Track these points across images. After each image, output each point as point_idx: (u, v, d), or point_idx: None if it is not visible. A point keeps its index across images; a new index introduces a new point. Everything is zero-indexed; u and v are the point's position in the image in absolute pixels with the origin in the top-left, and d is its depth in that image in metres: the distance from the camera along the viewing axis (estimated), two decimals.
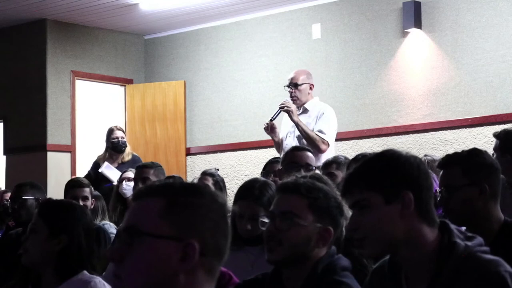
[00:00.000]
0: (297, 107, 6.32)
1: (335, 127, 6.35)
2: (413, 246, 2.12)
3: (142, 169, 5.61)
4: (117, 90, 9.77)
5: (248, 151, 8.72)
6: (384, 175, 2.13)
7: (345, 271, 2.58)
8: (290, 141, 6.29)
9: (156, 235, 1.63)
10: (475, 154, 3.02)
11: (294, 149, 5.12)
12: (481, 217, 2.95)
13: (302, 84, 6.30)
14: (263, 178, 3.69)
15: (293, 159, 4.89)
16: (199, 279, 1.65)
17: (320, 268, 2.54)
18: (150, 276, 1.63)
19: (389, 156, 2.17)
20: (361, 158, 3.81)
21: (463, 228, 2.28)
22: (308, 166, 4.76)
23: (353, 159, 4.25)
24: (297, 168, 4.61)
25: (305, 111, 6.32)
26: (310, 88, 6.35)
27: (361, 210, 2.13)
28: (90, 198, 5.32)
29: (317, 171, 4.51)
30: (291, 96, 6.29)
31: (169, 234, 1.63)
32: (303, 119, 6.24)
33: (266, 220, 2.65)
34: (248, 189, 3.56)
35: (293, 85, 6.29)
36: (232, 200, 3.83)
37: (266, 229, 2.61)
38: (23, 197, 5.66)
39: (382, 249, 2.16)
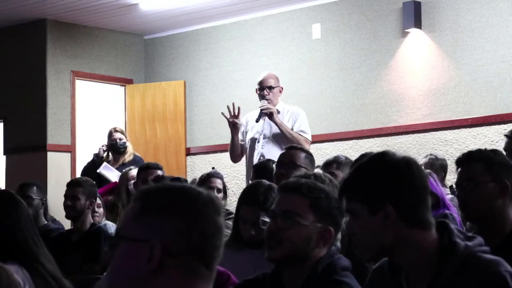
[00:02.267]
0: None
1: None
2: (407, 250, 2.13)
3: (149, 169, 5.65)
4: (117, 90, 9.77)
5: None
6: (366, 188, 2.14)
7: (345, 271, 2.58)
8: (259, 149, 6.38)
9: (130, 238, 1.69)
10: (497, 153, 3.05)
11: (290, 148, 5.12)
12: (496, 216, 2.95)
13: (275, 87, 6.44)
14: (267, 182, 3.66)
15: (290, 159, 4.88)
16: (175, 280, 1.67)
17: (320, 268, 2.54)
18: (125, 278, 1.68)
19: (373, 166, 2.18)
20: (358, 161, 3.81)
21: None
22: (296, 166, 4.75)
23: (356, 160, 4.23)
24: (294, 167, 4.63)
25: (277, 112, 6.40)
26: (280, 92, 6.49)
27: (353, 218, 2.17)
28: (82, 198, 5.23)
29: (319, 171, 4.49)
30: (265, 99, 6.38)
31: (139, 237, 1.67)
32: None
33: (267, 219, 2.65)
34: (253, 194, 3.52)
35: (268, 87, 6.40)
36: (232, 199, 3.83)
37: (267, 228, 2.62)
38: (32, 197, 5.67)
39: (374, 255, 2.18)
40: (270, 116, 6.29)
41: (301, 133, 6.31)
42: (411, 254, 2.12)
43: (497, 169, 2.96)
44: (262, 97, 6.40)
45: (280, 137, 6.31)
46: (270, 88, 6.40)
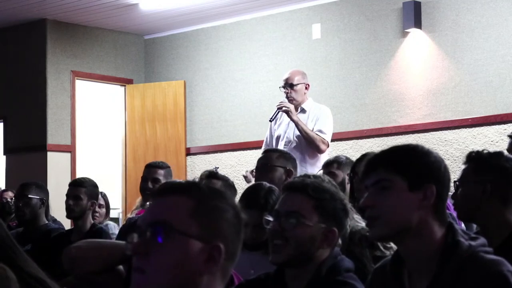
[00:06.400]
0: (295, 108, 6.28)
1: (332, 128, 6.33)
2: (421, 239, 2.14)
3: (153, 168, 5.54)
4: (117, 90, 9.77)
5: (248, 151, 8.72)
6: (414, 163, 2.19)
7: (348, 272, 2.58)
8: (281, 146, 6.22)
9: (187, 234, 1.65)
10: (494, 155, 3.01)
11: (264, 152, 5.16)
12: (488, 217, 2.94)
13: (298, 84, 6.21)
14: (267, 184, 3.65)
15: (261, 161, 4.94)
16: (217, 281, 1.69)
17: (324, 270, 2.54)
18: (176, 273, 1.65)
19: (421, 148, 2.26)
20: (360, 159, 3.83)
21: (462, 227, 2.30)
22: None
23: (358, 159, 4.24)
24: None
25: (303, 111, 6.24)
26: (306, 88, 6.27)
27: (382, 190, 2.17)
28: (84, 198, 5.22)
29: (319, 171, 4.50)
30: (287, 97, 6.20)
31: (198, 235, 1.66)
32: (301, 119, 6.16)
33: (270, 219, 2.64)
34: (254, 198, 3.52)
35: (289, 85, 6.20)
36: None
37: (271, 228, 2.60)
38: (28, 196, 5.66)
39: (392, 232, 2.16)
40: (287, 114, 6.11)
41: (318, 133, 6.10)
42: (422, 245, 2.13)
43: (483, 171, 2.95)
44: (285, 95, 6.21)
45: (302, 138, 6.14)
46: (291, 85, 6.19)
